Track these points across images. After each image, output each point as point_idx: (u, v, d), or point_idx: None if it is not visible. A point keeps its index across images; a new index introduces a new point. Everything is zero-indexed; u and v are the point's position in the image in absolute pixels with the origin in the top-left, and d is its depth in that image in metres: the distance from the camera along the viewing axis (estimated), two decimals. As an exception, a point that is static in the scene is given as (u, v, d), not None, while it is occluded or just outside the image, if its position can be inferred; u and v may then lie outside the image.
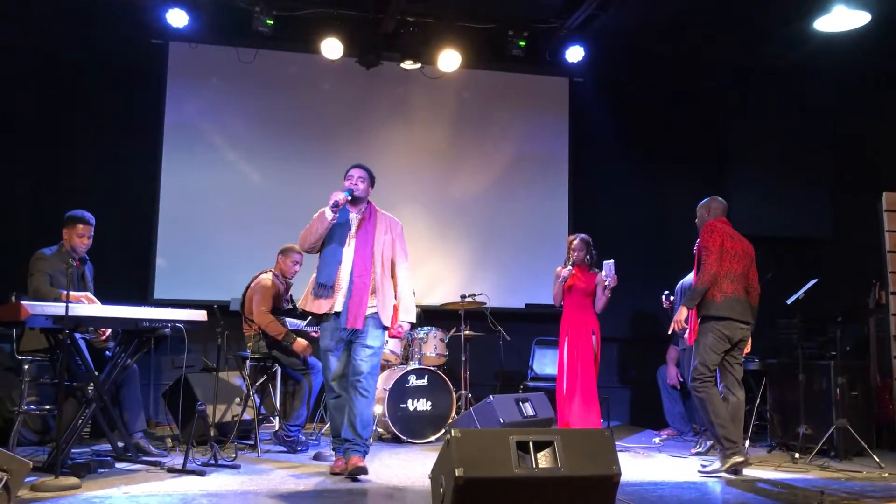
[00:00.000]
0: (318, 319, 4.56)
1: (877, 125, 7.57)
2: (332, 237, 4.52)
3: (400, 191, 7.75)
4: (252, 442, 5.41)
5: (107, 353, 4.97)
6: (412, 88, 7.89)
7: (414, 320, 4.68)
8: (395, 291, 4.61)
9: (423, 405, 6.02)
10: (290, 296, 5.81)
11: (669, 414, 6.80)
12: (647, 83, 8.22)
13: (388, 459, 5.14)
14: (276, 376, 6.25)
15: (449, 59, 7.46)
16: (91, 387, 4.55)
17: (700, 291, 4.86)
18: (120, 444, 4.81)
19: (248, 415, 5.53)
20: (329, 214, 4.44)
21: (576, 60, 7.69)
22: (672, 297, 6.32)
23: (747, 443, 5.79)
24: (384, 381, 6.12)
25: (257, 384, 5.69)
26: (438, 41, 7.45)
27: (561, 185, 8.15)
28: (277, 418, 6.00)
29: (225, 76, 7.48)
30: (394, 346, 6.36)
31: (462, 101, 8.04)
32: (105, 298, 4.74)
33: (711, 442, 5.64)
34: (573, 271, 5.98)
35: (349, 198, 4.50)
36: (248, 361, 5.62)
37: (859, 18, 6.10)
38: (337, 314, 4.46)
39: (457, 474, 3.01)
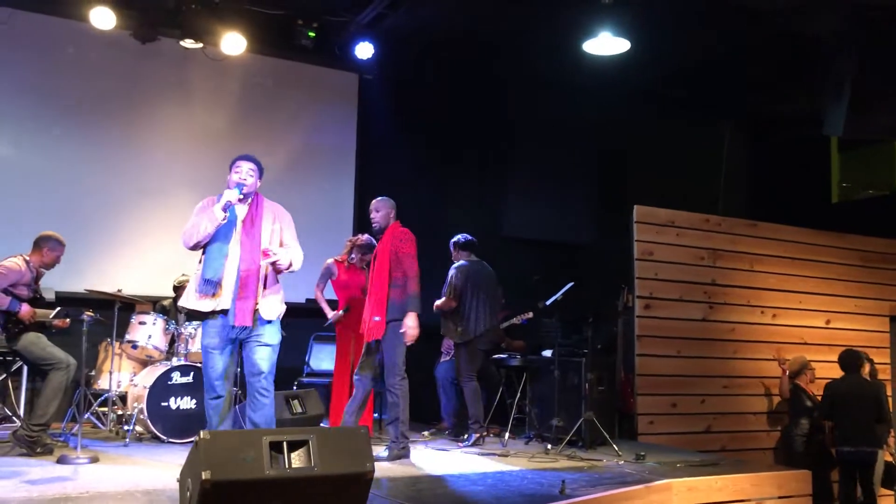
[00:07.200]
0: (204, 317, 4.33)
1: (634, 142, 8.36)
2: (218, 231, 4.30)
3: (175, 174, 7.34)
4: (-16, 445, 4.87)
5: None
6: (192, 69, 7.49)
7: (295, 266, 4.39)
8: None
9: (186, 403, 5.73)
10: (38, 286, 5.27)
11: (444, 409, 7.01)
12: (435, 86, 8.40)
13: (144, 460, 4.85)
14: (20, 372, 5.67)
15: (233, 42, 7.15)
16: None
17: (419, 294, 5.23)
18: None
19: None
20: (220, 215, 4.25)
21: (365, 57, 7.69)
22: None
23: (507, 435, 6.14)
24: (144, 378, 5.76)
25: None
26: (223, 22, 7.10)
27: (347, 180, 8.14)
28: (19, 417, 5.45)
29: (-28, 34, 6.66)
30: (157, 341, 6.01)
31: (246, 87, 7.75)
32: None
33: (477, 435, 5.92)
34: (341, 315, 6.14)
35: (241, 196, 4.32)
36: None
37: (621, 45, 6.68)
38: (224, 312, 4.25)
39: (203, 478, 2.89)
